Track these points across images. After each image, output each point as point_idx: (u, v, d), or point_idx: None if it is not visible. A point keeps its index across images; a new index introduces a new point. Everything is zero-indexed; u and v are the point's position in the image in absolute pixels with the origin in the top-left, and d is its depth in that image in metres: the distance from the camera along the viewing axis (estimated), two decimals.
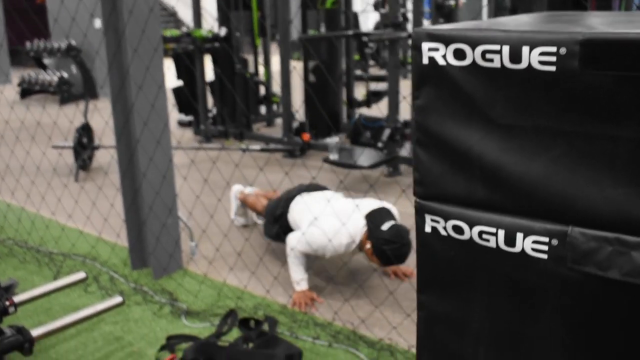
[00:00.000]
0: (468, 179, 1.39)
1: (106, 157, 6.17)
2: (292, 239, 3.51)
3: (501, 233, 1.37)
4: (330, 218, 3.45)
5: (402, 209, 4.70)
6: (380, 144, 5.65)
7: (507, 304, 1.41)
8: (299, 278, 3.52)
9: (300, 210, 3.70)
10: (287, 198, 3.87)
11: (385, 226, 3.32)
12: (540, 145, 1.30)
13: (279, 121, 8.25)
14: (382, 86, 7.35)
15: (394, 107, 5.77)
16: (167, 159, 3.62)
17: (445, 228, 1.45)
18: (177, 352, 3.03)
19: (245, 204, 4.52)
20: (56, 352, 3.07)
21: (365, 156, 5.47)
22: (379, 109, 6.94)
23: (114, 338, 3.17)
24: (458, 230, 1.43)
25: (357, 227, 3.42)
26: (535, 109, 1.30)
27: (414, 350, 2.96)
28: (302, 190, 3.90)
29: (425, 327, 1.56)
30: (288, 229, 3.78)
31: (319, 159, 6.31)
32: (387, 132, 5.69)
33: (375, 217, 3.39)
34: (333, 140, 5.55)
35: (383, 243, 3.29)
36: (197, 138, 7.45)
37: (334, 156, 5.49)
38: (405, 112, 6.36)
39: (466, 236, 1.42)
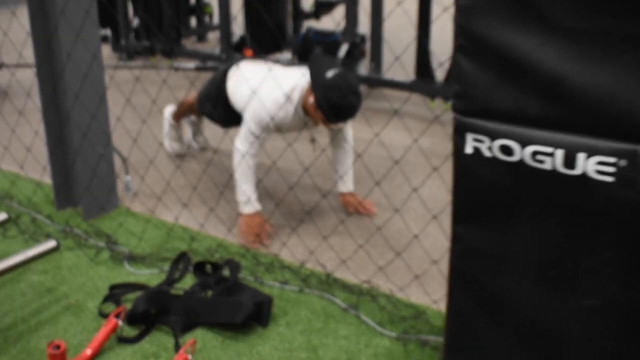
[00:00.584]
0: (521, 92, 1.38)
1: (5, 78, 5.93)
2: (239, 141, 3.50)
3: (559, 153, 1.38)
4: (269, 82, 3.43)
5: (365, 136, 4.72)
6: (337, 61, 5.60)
7: (560, 234, 1.43)
8: (248, 196, 3.49)
9: (238, 79, 3.68)
10: (224, 69, 3.87)
11: (330, 73, 3.26)
12: (609, 52, 1.30)
13: (212, 36, 8.07)
14: None
15: (352, 17, 5.71)
16: (101, 78, 3.49)
17: (490, 148, 1.44)
18: (123, 303, 2.99)
19: (180, 114, 4.46)
20: None
21: None
22: (329, 22, 6.86)
23: (45, 289, 3.10)
24: (506, 150, 1.43)
25: (297, 80, 3.40)
26: (604, 9, 1.28)
27: (399, 294, 3.00)
28: (239, 60, 3.90)
29: (460, 263, 1.58)
30: (228, 106, 3.78)
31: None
32: (344, 48, 5.65)
33: (318, 65, 3.33)
34: (284, 56, 5.47)
35: (327, 90, 3.22)
36: (117, 55, 7.23)
37: None
38: (363, 25, 6.30)
39: (516, 157, 1.42)
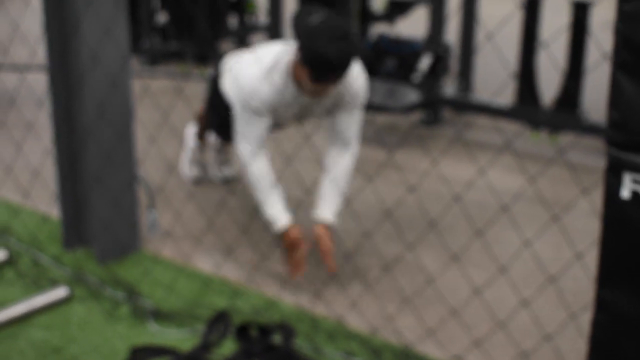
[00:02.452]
0: None
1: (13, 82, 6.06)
2: (238, 144, 3.62)
3: None
4: (249, 63, 3.60)
5: (447, 172, 4.73)
6: (416, 78, 5.65)
7: None
8: (276, 210, 3.58)
9: (228, 75, 3.88)
10: (215, 72, 4.10)
11: (315, 18, 3.32)
12: None
13: (256, 39, 8.18)
14: None
15: (437, 23, 5.77)
16: (130, 86, 3.58)
17: None
18: None
19: (202, 132, 4.63)
20: None
21: (396, 94, 5.48)
22: (405, 26, 6.92)
23: (50, 349, 3.16)
24: None
25: (281, 50, 3.53)
26: None
27: None
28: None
29: (605, 336, 1.59)
30: (227, 111, 3.88)
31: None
32: (426, 61, 5.70)
33: (301, 13, 3.40)
34: None
35: (310, 37, 3.27)
36: (138, 59, 7.39)
37: None
38: (450, 33, 6.35)
39: None
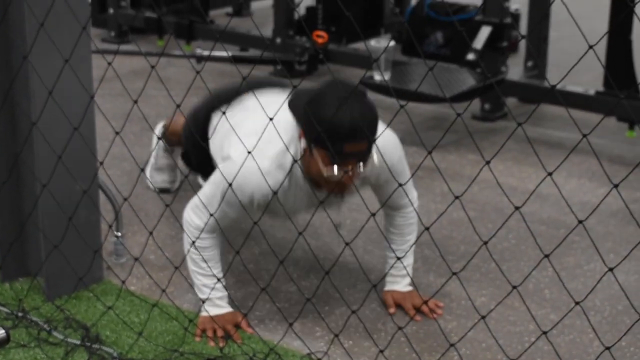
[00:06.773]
0: None
1: None
2: (191, 210, 3.65)
3: None
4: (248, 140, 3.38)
5: (510, 180, 4.75)
6: (470, 56, 5.65)
7: None
8: (206, 288, 3.64)
9: (223, 131, 3.78)
10: (210, 102, 4.08)
11: (314, 89, 3.44)
12: None
13: (257, 5, 8.23)
14: None
15: None
16: (89, 66, 3.65)
17: None
18: None
19: (170, 136, 4.68)
20: None
21: (444, 78, 5.49)
22: None
23: None
24: None
25: (293, 133, 3.49)
26: None
27: None
28: (242, 92, 3.97)
29: None
30: (208, 162, 3.92)
31: (350, 80, 6.31)
32: (485, 32, 5.68)
33: (297, 94, 3.44)
34: (380, 44, 5.55)
35: (314, 106, 3.31)
36: (102, 33, 7.49)
37: (381, 75, 5.49)
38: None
39: None
